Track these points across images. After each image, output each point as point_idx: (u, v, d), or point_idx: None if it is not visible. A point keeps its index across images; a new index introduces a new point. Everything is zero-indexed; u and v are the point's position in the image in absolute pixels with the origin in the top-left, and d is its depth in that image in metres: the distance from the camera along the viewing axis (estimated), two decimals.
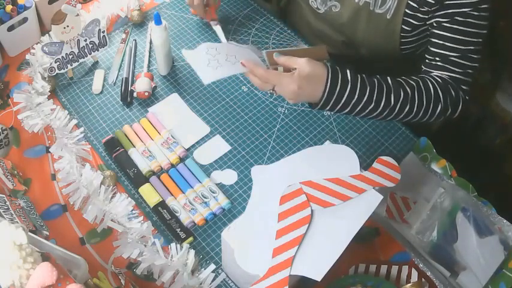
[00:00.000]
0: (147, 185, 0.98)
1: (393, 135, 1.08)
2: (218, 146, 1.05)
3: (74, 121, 1.07)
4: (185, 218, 0.93)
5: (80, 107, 1.10)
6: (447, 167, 0.97)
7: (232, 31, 1.24)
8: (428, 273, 0.84)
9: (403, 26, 1.01)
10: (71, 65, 1.12)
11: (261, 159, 1.03)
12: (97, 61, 1.18)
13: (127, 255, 0.88)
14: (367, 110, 0.90)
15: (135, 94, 1.10)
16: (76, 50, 1.10)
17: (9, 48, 1.17)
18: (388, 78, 0.92)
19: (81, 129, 1.05)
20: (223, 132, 1.07)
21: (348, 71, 0.88)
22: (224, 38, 1.19)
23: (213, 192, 0.97)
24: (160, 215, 0.94)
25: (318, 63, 0.87)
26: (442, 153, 0.99)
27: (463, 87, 0.98)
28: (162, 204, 0.95)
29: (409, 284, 0.82)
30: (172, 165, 1.02)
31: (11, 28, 1.12)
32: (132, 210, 0.94)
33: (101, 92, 1.13)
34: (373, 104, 0.89)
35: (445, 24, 0.94)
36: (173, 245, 0.89)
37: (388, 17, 1.01)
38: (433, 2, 0.93)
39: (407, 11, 0.98)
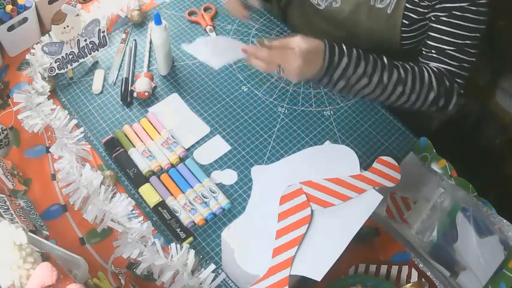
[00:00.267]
0: (147, 185, 0.98)
1: (393, 135, 1.08)
2: (218, 146, 1.05)
3: (74, 121, 1.07)
4: (185, 218, 0.93)
5: (80, 107, 1.10)
6: (447, 167, 0.97)
7: (232, 31, 1.24)
8: (428, 273, 0.84)
9: (404, 21, 1.01)
10: (71, 65, 1.12)
11: (261, 159, 1.03)
12: (97, 61, 1.18)
13: (127, 255, 0.88)
14: (361, 85, 0.94)
15: (135, 94, 1.10)
16: (76, 50, 1.10)
17: (9, 48, 1.17)
18: (384, 57, 0.95)
19: (81, 129, 1.05)
20: (223, 132, 1.07)
21: (344, 45, 0.93)
22: None
23: (213, 192, 0.97)
24: (160, 215, 0.94)
25: (312, 39, 0.90)
26: (442, 153, 0.99)
27: (458, 80, 0.99)
28: (162, 204, 0.95)
29: (409, 284, 0.82)
30: (172, 165, 1.02)
31: (11, 28, 1.12)
32: (132, 210, 0.94)
33: (101, 92, 1.13)
34: (366, 79, 0.93)
35: (443, 18, 0.95)
36: (173, 245, 0.89)
37: (388, 12, 1.02)
38: None
39: (407, 5, 0.99)
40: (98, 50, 1.14)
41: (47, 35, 1.18)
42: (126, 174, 1.00)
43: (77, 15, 1.05)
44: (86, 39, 1.10)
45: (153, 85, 1.12)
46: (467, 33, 0.95)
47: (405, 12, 1.00)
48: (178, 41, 1.22)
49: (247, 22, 1.21)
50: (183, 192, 0.97)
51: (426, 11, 0.98)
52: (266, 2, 1.33)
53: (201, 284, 0.86)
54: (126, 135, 1.05)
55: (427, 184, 0.97)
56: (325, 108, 1.11)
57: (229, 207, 0.96)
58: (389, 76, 0.94)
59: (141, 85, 1.09)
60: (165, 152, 1.02)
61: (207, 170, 1.01)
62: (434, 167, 0.99)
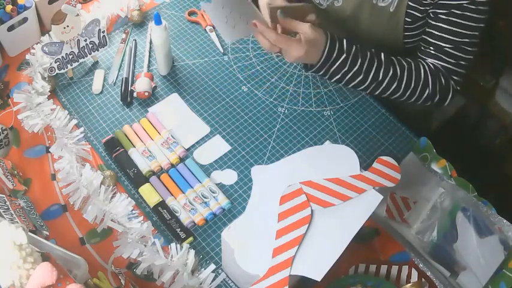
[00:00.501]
0: (147, 185, 0.98)
1: (393, 135, 1.08)
2: (218, 146, 1.05)
3: (74, 121, 1.06)
4: (185, 218, 0.93)
5: (80, 107, 1.10)
6: (447, 167, 0.97)
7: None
8: (428, 273, 0.84)
9: (407, 19, 1.01)
10: (71, 65, 1.12)
11: (261, 159, 1.03)
12: (97, 61, 1.18)
13: (127, 255, 0.88)
14: (356, 81, 0.97)
15: (135, 94, 1.10)
16: (76, 50, 1.10)
17: (9, 48, 1.17)
18: (382, 54, 0.97)
19: (81, 129, 1.05)
20: (223, 132, 1.07)
21: (345, 41, 0.95)
22: (220, 45, 1.20)
23: (213, 192, 0.97)
24: (160, 215, 0.94)
25: (319, 30, 0.92)
26: (442, 153, 0.99)
27: (455, 77, 1.01)
28: (162, 204, 0.95)
29: (409, 284, 0.82)
30: (172, 165, 1.02)
31: (11, 28, 1.12)
32: (132, 210, 0.94)
33: (101, 92, 1.13)
34: (362, 75, 0.96)
35: (441, 15, 0.96)
36: (173, 245, 0.89)
37: (391, 10, 1.02)
38: None
39: (410, 3, 0.99)
40: (98, 50, 1.14)
41: (47, 35, 1.18)
42: (126, 174, 1.00)
43: (77, 15, 1.05)
44: (86, 39, 1.10)
45: (153, 85, 1.12)
46: (466, 31, 0.95)
47: (408, 11, 1.00)
48: (178, 41, 1.22)
49: None
50: (183, 192, 0.97)
51: (428, 8, 0.98)
52: None
53: (201, 284, 0.86)
54: (126, 135, 1.05)
55: (427, 184, 0.96)
56: (325, 108, 1.11)
57: (229, 207, 0.96)
58: (385, 73, 0.96)
59: (141, 85, 1.09)
60: (165, 152, 1.02)
61: (207, 170, 1.01)
62: (434, 167, 0.99)
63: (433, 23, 0.98)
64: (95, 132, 1.06)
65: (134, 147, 1.03)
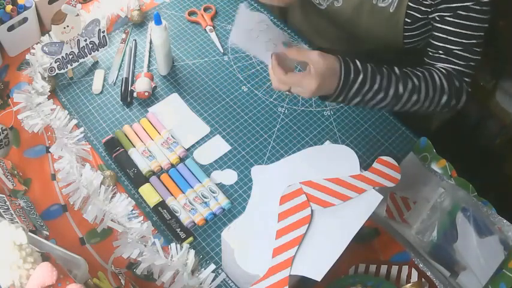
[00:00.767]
0: (147, 185, 0.98)
1: (393, 135, 1.08)
2: (218, 146, 1.05)
3: (74, 121, 1.06)
4: (185, 218, 0.93)
5: (80, 107, 1.10)
6: (447, 167, 0.97)
7: (232, 31, 1.24)
8: (428, 273, 0.84)
9: (406, 19, 1.01)
10: (71, 65, 1.12)
11: (261, 159, 1.03)
12: (97, 61, 1.18)
13: (127, 255, 0.88)
14: (377, 99, 0.91)
15: (135, 94, 1.10)
16: (76, 50, 1.10)
17: (9, 48, 1.17)
18: (396, 68, 0.93)
19: (81, 129, 1.05)
20: (223, 132, 1.07)
21: (358, 61, 0.89)
22: (220, 45, 1.20)
23: (213, 192, 0.97)
24: (160, 215, 0.94)
25: (329, 56, 0.85)
26: (442, 153, 0.99)
27: (466, 79, 0.99)
28: (162, 204, 0.95)
29: (409, 284, 0.82)
30: (172, 165, 1.02)
31: (11, 28, 1.12)
32: (132, 210, 0.94)
33: (101, 92, 1.13)
34: (382, 92, 0.90)
35: (447, 18, 0.95)
36: (173, 245, 0.89)
37: (391, 11, 1.01)
38: None
39: (410, 4, 0.99)
40: (98, 50, 1.14)
41: (47, 35, 1.18)
42: (126, 174, 1.00)
43: (77, 15, 1.05)
44: (86, 39, 1.10)
45: (153, 85, 1.12)
46: (473, 33, 0.94)
47: (408, 11, 1.00)
48: (178, 41, 1.22)
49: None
50: (183, 192, 0.97)
51: (429, 10, 0.98)
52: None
53: (201, 284, 0.86)
54: (126, 135, 1.05)
55: (427, 184, 0.96)
56: (325, 108, 1.11)
57: (229, 207, 0.96)
58: (405, 87, 0.92)
59: (141, 85, 1.09)
60: (165, 152, 1.02)
61: (207, 170, 1.01)
62: (434, 167, 0.99)
63: (440, 26, 0.96)
64: (95, 132, 1.06)
65: (134, 147, 1.03)
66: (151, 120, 1.07)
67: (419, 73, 0.95)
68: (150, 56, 1.19)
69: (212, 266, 0.88)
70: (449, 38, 0.96)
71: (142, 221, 0.92)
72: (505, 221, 0.90)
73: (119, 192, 0.97)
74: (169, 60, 1.15)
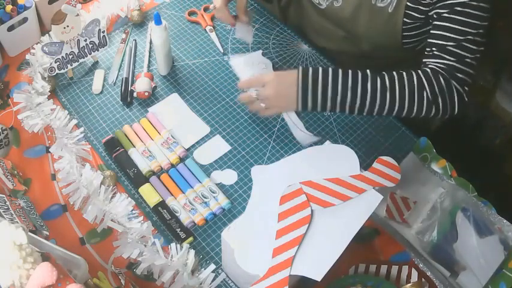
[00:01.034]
0: (147, 185, 0.98)
1: (393, 135, 1.08)
2: (218, 146, 1.05)
3: (74, 121, 1.07)
4: (185, 218, 0.93)
5: (80, 107, 1.10)
6: (447, 167, 0.97)
7: (232, 31, 1.24)
8: (428, 273, 0.84)
9: (405, 19, 1.01)
10: (71, 65, 1.12)
11: (261, 159, 1.03)
12: (97, 61, 1.18)
13: (127, 255, 0.88)
14: (349, 100, 0.91)
15: (135, 94, 1.10)
16: (76, 50, 1.10)
17: (9, 48, 1.17)
18: (367, 70, 0.92)
19: (81, 129, 1.05)
20: (223, 132, 1.07)
21: (320, 68, 0.92)
22: (220, 45, 1.21)
23: (213, 192, 0.97)
24: (160, 215, 0.94)
25: (286, 71, 0.95)
26: (442, 153, 0.99)
27: (459, 75, 0.94)
28: (162, 204, 0.95)
29: (409, 284, 0.82)
30: (172, 165, 1.02)
31: (11, 28, 1.12)
32: (132, 210, 0.94)
33: (101, 92, 1.13)
34: (349, 92, 0.90)
35: (445, 14, 0.94)
36: (173, 245, 0.89)
37: (389, 11, 1.01)
38: None
39: (409, 3, 0.99)
40: (98, 50, 1.14)
41: (47, 35, 1.18)
42: (126, 174, 1.00)
43: (77, 15, 1.05)
44: (86, 39, 1.10)
45: (153, 85, 1.12)
46: (468, 29, 0.93)
47: (406, 11, 1.00)
48: (178, 41, 1.22)
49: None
50: (183, 192, 0.97)
51: (428, 9, 0.97)
52: (267, 2, 1.33)
53: (201, 284, 0.86)
54: (126, 135, 1.05)
55: (427, 184, 0.97)
56: None
57: (229, 207, 0.96)
58: (373, 84, 0.90)
59: (141, 85, 1.09)
60: (165, 152, 1.02)
61: (207, 170, 1.01)
62: (434, 167, 0.99)
63: (436, 23, 0.95)
64: (95, 132, 1.06)
65: (134, 147, 1.03)
66: (151, 120, 1.07)
67: (394, 73, 0.93)
68: (150, 56, 1.19)
69: (212, 266, 0.88)
70: (443, 34, 0.94)
71: (142, 221, 0.92)
72: (505, 221, 0.90)
73: (119, 192, 0.97)
74: (169, 60, 1.15)
